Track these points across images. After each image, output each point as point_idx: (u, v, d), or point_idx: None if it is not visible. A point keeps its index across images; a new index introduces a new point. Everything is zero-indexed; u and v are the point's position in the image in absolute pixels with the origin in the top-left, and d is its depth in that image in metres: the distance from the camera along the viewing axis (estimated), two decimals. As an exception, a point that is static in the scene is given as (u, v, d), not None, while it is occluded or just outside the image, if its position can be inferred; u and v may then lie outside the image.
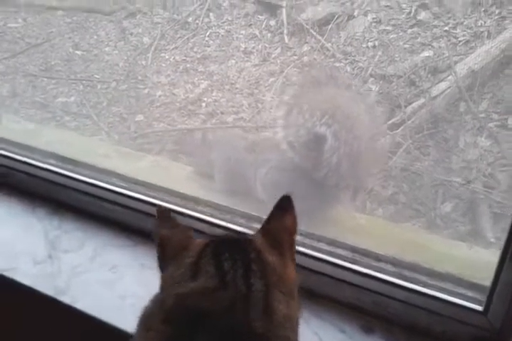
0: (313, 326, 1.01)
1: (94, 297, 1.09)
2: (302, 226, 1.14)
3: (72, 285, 1.12)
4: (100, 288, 1.11)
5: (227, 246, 0.71)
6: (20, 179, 1.41)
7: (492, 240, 1.99)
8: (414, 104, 2.56)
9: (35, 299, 1.11)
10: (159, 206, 0.80)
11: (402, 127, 2.48)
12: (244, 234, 0.78)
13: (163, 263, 0.73)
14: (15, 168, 1.42)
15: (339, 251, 1.10)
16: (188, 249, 0.71)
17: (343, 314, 1.04)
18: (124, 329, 0.99)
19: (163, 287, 0.71)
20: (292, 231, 0.76)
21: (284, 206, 0.77)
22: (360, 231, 1.46)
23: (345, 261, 1.07)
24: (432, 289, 1.01)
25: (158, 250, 0.73)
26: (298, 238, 1.12)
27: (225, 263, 0.67)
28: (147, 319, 0.68)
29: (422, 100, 2.56)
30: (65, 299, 1.08)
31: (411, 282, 1.02)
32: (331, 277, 1.06)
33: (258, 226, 0.78)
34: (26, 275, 1.15)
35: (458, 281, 1.02)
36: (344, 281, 1.05)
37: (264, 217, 0.78)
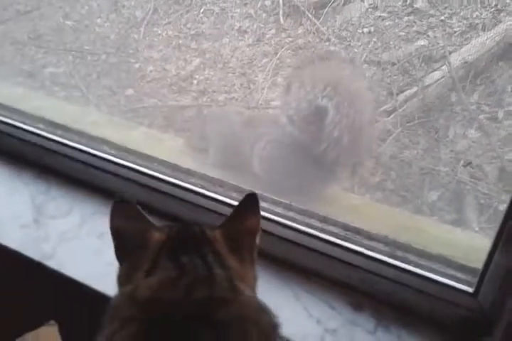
0: (302, 301, 1.01)
1: (81, 263, 1.07)
2: (297, 202, 1.14)
3: (58, 251, 1.10)
4: (87, 255, 1.09)
5: (186, 246, 0.69)
6: (7, 142, 1.37)
7: (477, 229, 2.01)
8: (407, 92, 2.55)
9: (21, 263, 1.08)
10: (117, 195, 0.73)
11: (393, 115, 2.47)
12: (202, 229, 0.72)
13: (120, 255, 0.72)
14: (1, 130, 1.38)
15: (332, 228, 1.09)
16: (143, 246, 0.69)
17: (331, 291, 1.04)
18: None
19: (121, 281, 0.71)
20: (254, 232, 0.73)
21: (249, 205, 0.73)
22: (355, 210, 1.45)
23: (337, 238, 1.06)
24: (422, 269, 1.01)
25: (113, 242, 0.71)
26: (291, 214, 1.12)
27: (184, 259, 0.66)
28: (117, 311, 0.66)
29: (414, 89, 2.56)
30: (51, 264, 1.06)
31: (402, 261, 1.02)
32: (323, 254, 1.05)
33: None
34: (11, 239, 1.13)
35: (449, 263, 1.02)
36: (335, 258, 1.04)
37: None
